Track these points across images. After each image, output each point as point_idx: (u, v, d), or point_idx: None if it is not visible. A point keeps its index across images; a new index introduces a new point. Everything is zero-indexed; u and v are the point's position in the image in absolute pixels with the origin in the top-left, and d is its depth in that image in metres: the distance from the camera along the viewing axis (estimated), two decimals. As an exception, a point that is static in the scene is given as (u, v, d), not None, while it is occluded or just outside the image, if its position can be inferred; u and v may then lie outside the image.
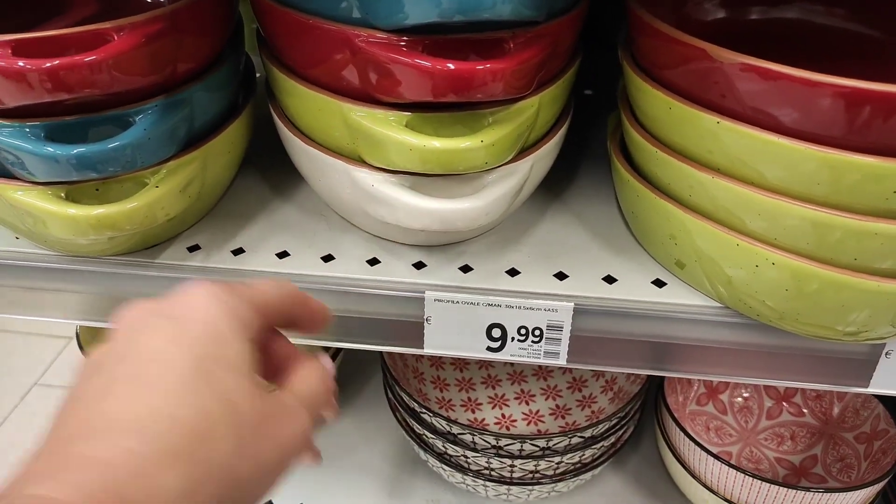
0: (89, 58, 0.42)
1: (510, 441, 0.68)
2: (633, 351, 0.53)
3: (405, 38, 0.43)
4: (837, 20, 0.58)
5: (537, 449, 0.69)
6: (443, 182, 0.49)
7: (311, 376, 0.37)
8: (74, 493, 0.26)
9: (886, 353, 0.50)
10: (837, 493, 0.64)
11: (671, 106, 0.46)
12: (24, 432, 1.47)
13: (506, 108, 0.47)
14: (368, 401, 0.95)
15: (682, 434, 0.70)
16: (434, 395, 0.85)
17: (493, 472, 0.71)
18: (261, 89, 0.60)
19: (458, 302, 0.52)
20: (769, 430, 0.82)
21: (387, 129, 0.46)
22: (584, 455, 0.71)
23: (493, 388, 0.88)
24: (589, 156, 0.68)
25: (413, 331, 0.54)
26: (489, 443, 0.69)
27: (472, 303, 0.52)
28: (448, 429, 0.70)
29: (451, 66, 0.42)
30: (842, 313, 0.45)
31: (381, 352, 0.80)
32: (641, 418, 0.82)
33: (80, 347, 0.79)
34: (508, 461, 0.69)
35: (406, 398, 0.73)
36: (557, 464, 0.70)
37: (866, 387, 0.52)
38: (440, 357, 0.88)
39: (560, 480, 0.71)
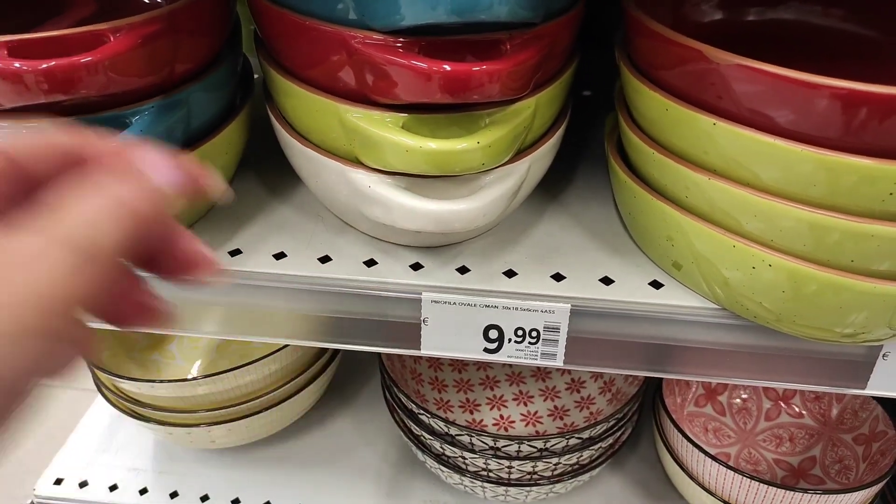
0: (85, 59, 0.42)
1: (508, 442, 0.68)
2: (630, 352, 0.53)
3: (401, 39, 0.43)
4: (835, 21, 0.58)
5: (535, 450, 0.69)
6: (439, 183, 0.49)
7: (86, 199, 0.26)
8: None
9: (884, 355, 0.50)
10: (836, 495, 0.64)
11: (668, 107, 0.46)
12: (25, 432, 1.47)
13: (502, 110, 0.47)
14: (367, 402, 0.95)
15: (679, 435, 0.70)
16: (432, 397, 0.85)
17: (490, 474, 0.71)
18: (258, 90, 0.60)
19: (454, 303, 0.52)
20: (768, 432, 0.82)
21: (383, 130, 0.46)
22: (581, 456, 0.71)
23: (492, 389, 0.88)
24: (587, 157, 0.68)
25: (410, 332, 0.54)
26: (487, 444, 0.69)
27: (469, 304, 0.52)
28: (446, 430, 0.70)
29: (448, 68, 0.42)
30: (839, 315, 0.45)
31: (379, 353, 0.80)
32: (639, 419, 0.82)
33: (79, 348, 0.79)
34: (506, 462, 0.69)
35: (404, 399, 0.73)
36: (555, 465, 0.70)
37: (864, 388, 0.52)
38: (438, 358, 0.88)
39: (558, 482, 0.71)
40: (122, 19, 0.44)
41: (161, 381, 0.74)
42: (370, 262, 0.54)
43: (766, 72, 0.40)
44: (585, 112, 0.75)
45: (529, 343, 0.52)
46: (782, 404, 0.83)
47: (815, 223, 0.42)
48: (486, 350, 0.53)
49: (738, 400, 0.84)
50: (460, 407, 0.85)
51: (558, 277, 0.53)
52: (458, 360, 0.89)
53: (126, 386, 0.76)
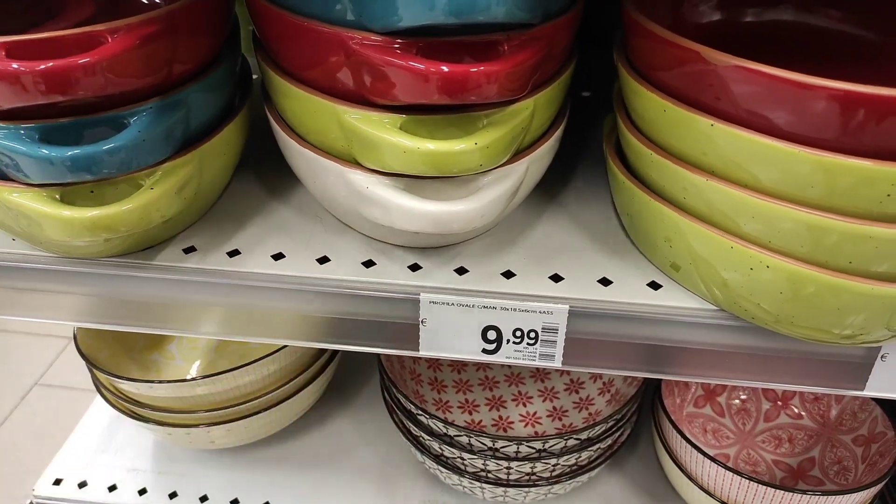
0: (83, 60, 0.42)
1: (506, 443, 0.68)
2: (628, 353, 0.53)
3: (399, 40, 0.43)
4: (832, 22, 0.58)
5: (533, 451, 0.69)
6: (438, 184, 0.49)
7: None
8: None
9: (882, 357, 0.50)
10: (835, 496, 0.64)
11: (665, 108, 0.46)
12: (24, 432, 1.47)
13: (500, 111, 0.47)
14: (366, 402, 0.95)
15: (678, 436, 0.70)
16: (431, 397, 0.85)
17: (489, 474, 0.71)
18: (257, 91, 0.60)
19: (453, 304, 0.52)
20: (767, 433, 0.82)
21: (381, 131, 0.46)
22: (580, 457, 0.71)
23: (491, 389, 0.88)
24: (586, 157, 0.67)
25: (408, 333, 0.54)
26: (485, 445, 0.69)
27: (467, 305, 0.52)
28: (444, 430, 0.70)
29: (445, 69, 0.42)
30: (837, 317, 0.45)
31: (377, 354, 0.80)
32: (638, 420, 0.82)
33: (78, 349, 0.79)
34: (505, 463, 0.69)
35: (403, 400, 0.73)
36: (554, 466, 0.70)
37: (862, 390, 0.52)
38: (437, 359, 0.88)
39: (557, 482, 0.71)
40: (120, 20, 0.44)
41: (160, 382, 0.74)
42: (368, 263, 0.54)
43: (763, 73, 0.40)
44: (584, 113, 0.75)
45: (528, 344, 0.52)
46: (781, 405, 0.83)
47: (812, 224, 0.42)
48: (484, 351, 0.53)
49: (737, 401, 0.84)
50: (459, 408, 0.85)
51: (556, 278, 0.53)
52: (457, 360, 0.89)
53: (125, 386, 0.76)
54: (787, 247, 0.44)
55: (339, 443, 0.90)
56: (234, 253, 0.55)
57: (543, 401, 0.86)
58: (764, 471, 0.79)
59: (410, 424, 0.74)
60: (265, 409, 0.79)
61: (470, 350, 0.54)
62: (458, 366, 0.89)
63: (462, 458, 0.70)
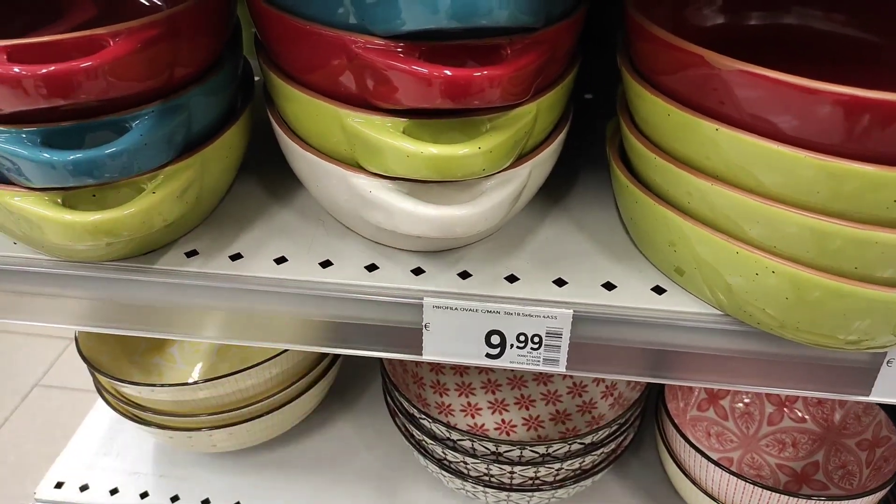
0: (85, 64, 0.42)
1: (510, 447, 0.67)
2: (632, 358, 0.52)
3: (402, 44, 0.43)
4: (836, 25, 0.57)
5: (537, 455, 0.68)
6: (440, 188, 0.49)
7: None
8: None
9: (888, 362, 0.50)
10: (840, 501, 0.64)
11: (670, 112, 0.45)
12: (25, 433, 1.47)
13: (503, 115, 0.47)
14: (367, 405, 0.95)
15: (682, 440, 0.70)
16: (434, 400, 0.85)
17: (492, 479, 0.71)
18: (258, 92, 0.60)
19: (456, 308, 0.51)
20: (770, 437, 0.82)
21: (384, 135, 0.45)
22: (584, 461, 0.70)
23: (493, 392, 0.87)
24: (588, 160, 0.67)
25: (412, 337, 0.54)
26: (489, 449, 0.68)
27: (470, 309, 0.51)
28: (447, 435, 0.69)
29: (448, 73, 0.41)
30: (843, 322, 0.45)
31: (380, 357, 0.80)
32: (642, 424, 0.81)
33: (80, 352, 0.79)
34: (508, 467, 0.69)
35: (405, 404, 0.72)
36: (557, 470, 0.70)
37: (867, 395, 0.52)
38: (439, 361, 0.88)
39: (560, 487, 0.71)
40: (121, 24, 0.44)
41: (162, 386, 0.74)
42: (371, 267, 0.54)
43: (768, 78, 0.40)
44: (586, 115, 0.75)
45: (532, 349, 0.52)
46: (785, 409, 0.83)
47: (818, 230, 0.42)
48: (487, 356, 0.53)
49: (740, 404, 0.84)
50: (462, 411, 0.85)
51: (560, 283, 0.53)
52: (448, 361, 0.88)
53: (127, 390, 0.76)
54: (792, 252, 0.44)
55: (340, 446, 0.90)
56: (236, 257, 0.55)
57: (546, 404, 0.86)
58: (768, 475, 0.79)
59: (413, 428, 0.73)
60: (267, 413, 0.79)
61: (473, 355, 0.53)
62: (461, 369, 0.89)
63: (465, 463, 0.70)
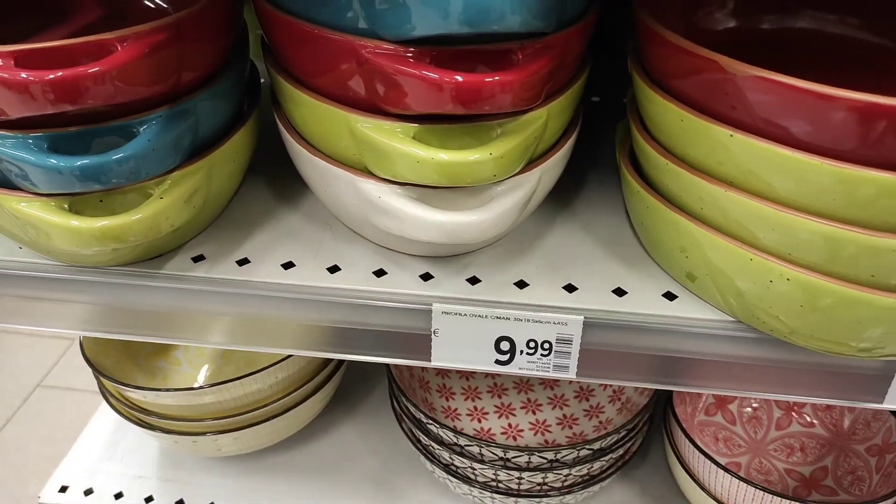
0: (93, 69, 0.41)
1: (518, 453, 0.67)
2: (643, 365, 0.52)
3: (412, 49, 0.42)
4: (849, 29, 0.57)
5: (545, 461, 0.68)
6: (450, 194, 0.48)
7: None
8: None
9: (901, 369, 0.50)
10: (849, 507, 0.64)
11: (683, 118, 0.45)
12: (28, 434, 1.47)
13: (514, 120, 0.46)
14: (372, 410, 0.95)
15: (691, 446, 0.69)
16: (440, 405, 0.85)
17: (500, 484, 0.71)
18: (265, 96, 0.60)
19: (465, 314, 0.51)
20: (778, 441, 0.81)
21: (393, 140, 0.45)
22: (592, 467, 0.70)
23: (500, 397, 0.87)
24: (596, 163, 0.67)
25: (420, 343, 0.53)
26: (497, 455, 0.68)
27: (480, 315, 0.51)
28: (455, 440, 0.69)
29: (460, 79, 0.41)
30: (857, 330, 0.44)
31: (386, 361, 0.80)
32: (650, 429, 0.81)
33: (84, 356, 0.78)
34: (516, 473, 0.68)
35: (412, 409, 0.72)
36: (566, 476, 0.69)
37: (881, 403, 0.51)
38: (446, 365, 0.87)
39: (568, 493, 0.71)
40: (129, 29, 0.44)
41: (167, 390, 0.73)
42: (380, 272, 0.54)
43: (783, 84, 0.39)
44: (593, 117, 0.74)
45: (542, 355, 0.52)
46: (793, 414, 0.83)
47: (833, 237, 0.41)
48: (497, 362, 0.53)
49: (748, 409, 0.83)
50: (468, 415, 0.85)
51: (570, 288, 0.52)
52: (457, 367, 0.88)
53: (132, 394, 0.76)
54: (806, 259, 0.43)
55: (344, 450, 0.89)
56: (243, 262, 0.55)
57: (553, 408, 0.85)
58: (776, 480, 0.78)
59: (420, 434, 0.73)
60: (272, 417, 0.79)
61: (483, 361, 0.53)
62: (467, 373, 0.88)
63: (473, 468, 0.70)
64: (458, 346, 0.53)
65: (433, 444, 0.71)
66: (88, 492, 0.85)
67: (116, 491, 0.85)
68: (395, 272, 0.54)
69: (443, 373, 0.87)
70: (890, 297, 0.42)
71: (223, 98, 0.52)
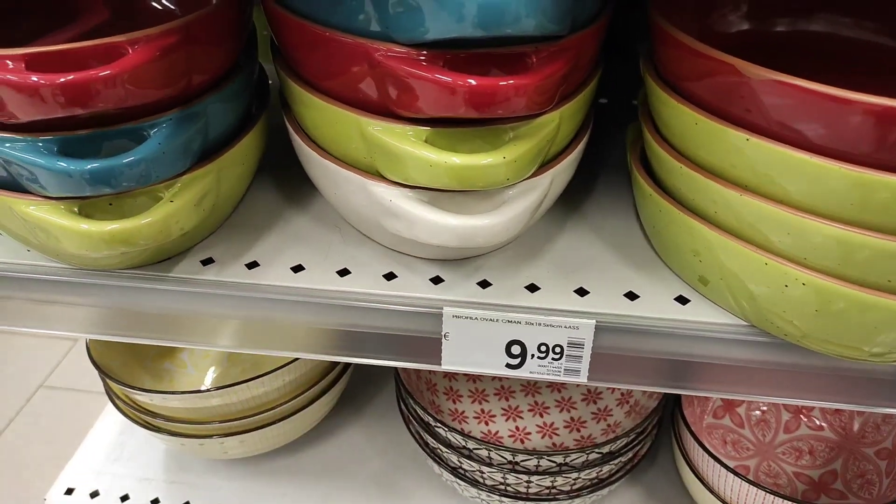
0: (104, 72, 0.41)
1: (527, 457, 0.67)
2: (655, 369, 0.52)
3: (425, 52, 0.42)
4: (864, 33, 0.56)
5: (554, 465, 0.68)
6: (462, 197, 0.48)
7: None
8: None
9: (916, 373, 0.49)
10: (859, 511, 0.63)
11: (697, 121, 0.45)
12: (30, 435, 1.47)
13: (527, 123, 0.46)
14: (379, 411, 0.94)
15: (700, 449, 0.69)
16: (447, 407, 0.84)
17: (508, 488, 0.70)
18: (274, 98, 0.59)
19: (476, 318, 0.51)
20: (787, 444, 0.81)
21: (405, 144, 0.45)
22: (601, 471, 0.70)
23: (507, 399, 0.87)
24: (605, 166, 0.66)
25: (430, 347, 0.53)
26: (505, 458, 0.68)
27: (491, 319, 0.51)
28: (463, 443, 0.69)
29: (473, 82, 0.41)
30: (870, 334, 0.44)
31: (394, 363, 0.79)
32: (658, 431, 0.81)
33: (91, 358, 0.78)
34: (525, 477, 0.68)
35: (420, 412, 0.72)
36: (574, 479, 0.69)
37: (894, 407, 0.51)
38: (453, 368, 0.87)
39: (577, 496, 0.70)
40: (140, 31, 0.43)
41: (173, 393, 0.73)
42: (390, 276, 0.54)
43: (800, 87, 0.39)
44: (601, 119, 0.74)
45: (553, 359, 0.51)
46: (802, 417, 0.82)
47: (847, 240, 0.41)
48: (508, 366, 0.53)
49: (756, 412, 0.83)
50: (475, 418, 0.84)
51: (582, 292, 0.52)
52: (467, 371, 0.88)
53: (139, 397, 0.76)
54: (821, 263, 0.43)
55: (351, 453, 0.89)
56: (252, 265, 0.54)
57: (560, 411, 0.85)
58: (785, 483, 0.78)
59: (428, 437, 0.73)
60: (279, 420, 0.79)
61: (493, 365, 0.53)
62: (474, 375, 0.88)
63: (481, 472, 0.70)
64: (469, 350, 0.52)
65: (441, 447, 0.71)
66: (94, 494, 0.85)
67: (122, 493, 0.85)
68: (405, 275, 0.54)
69: (450, 375, 0.87)
70: (906, 301, 0.42)
71: (233, 101, 0.52)
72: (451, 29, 0.40)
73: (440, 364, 0.53)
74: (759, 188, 0.44)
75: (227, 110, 0.52)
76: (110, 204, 0.48)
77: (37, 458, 1.42)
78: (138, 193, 0.48)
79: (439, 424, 0.69)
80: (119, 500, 0.84)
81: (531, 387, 0.88)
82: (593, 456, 0.68)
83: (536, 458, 0.67)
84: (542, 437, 0.82)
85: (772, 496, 0.65)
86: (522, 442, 0.82)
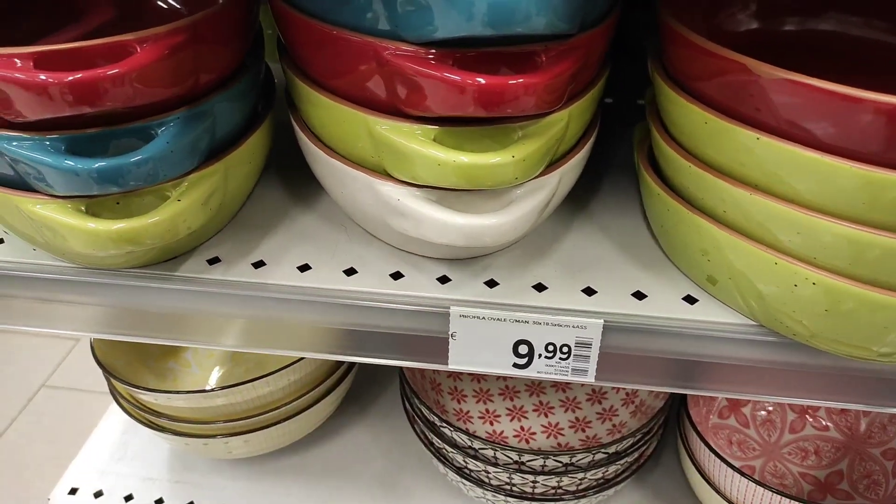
0: (112, 71, 0.41)
1: (533, 457, 0.67)
2: (662, 368, 0.52)
3: (434, 50, 0.42)
4: (874, 32, 0.56)
5: (560, 465, 0.68)
6: (469, 196, 0.48)
7: None
8: None
9: (925, 373, 0.49)
10: (866, 512, 0.63)
11: (707, 120, 0.45)
12: (32, 434, 1.47)
13: (536, 122, 0.46)
14: (384, 411, 0.94)
15: (706, 449, 0.69)
16: (452, 407, 0.84)
17: (514, 488, 0.70)
18: (280, 97, 0.59)
19: (484, 318, 0.51)
20: (792, 444, 0.81)
21: (414, 143, 0.45)
22: (607, 471, 0.70)
23: (512, 399, 0.86)
24: (610, 166, 0.66)
25: (437, 346, 0.53)
26: (511, 458, 0.67)
27: (498, 319, 0.51)
28: (469, 443, 0.69)
29: (482, 81, 0.40)
30: (879, 334, 0.44)
31: (398, 363, 0.79)
32: (664, 432, 0.81)
33: (95, 357, 0.78)
34: (531, 477, 0.68)
35: (425, 412, 0.72)
36: (580, 480, 0.69)
37: (903, 407, 0.51)
38: (457, 368, 0.87)
39: (583, 496, 0.70)
40: (148, 30, 0.43)
41: (178, 393, 0.73)
42: (396, 275, 0.53)
43: (811, 86, 0.39)
44: (606, 119, 0.74)
45: (560, 358, 0.51)
46: (808, 417, 0.82)
47: (857, 239, 0.41)
48: (515, 365, 0.52)
49: (762, 412, 0.83)
50: (480, 418, 0.84)
51: (589, 292, 0.52)
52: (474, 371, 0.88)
53: (143, 396, 0.75)
54: (830, 262, 0.43)
55: (355, 453, 0.89)
56: (259, 264, 0.54)
57: (565, 411, 0.85)
58: (791, 484, 0.78)
59: (433, 436, 0.72)
60: (284, 420, 0.78)
61: (501, 364, 0.53)
62: (478, 375, 0.88)
63: (487, 472, 0.69)
64: (476, 350, 0.52)
65: (447, 446, 0.71)
66: (98, 494, 0.85)
67: (126, 493, 0.85)
68: (412, 275, 0.54)
69: (454, 375, 0.87)
70: (915, 301, 0.41)
71: (240, 99, 0.52)
72: (460, 27, 0.39)
73: (447, 364, 0.53)
74: (768, 187, 0.43)
75: (235, 109, 0.52)
76: (118, 203, 0.48)
77: (38, 458, 1.42)
78: (145, 192, 0.48)
79: (445, 424, 0.69)
80: (123, 500, 0.84)
81: (536, 387, 0.88)
82: (599, 456, 0.68)
83: (543, 458, 0.67)
84: (548, 437, 0.82)
85: (779, 496, 0.64)
86: (528, 442, 0.82)
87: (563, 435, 0.82)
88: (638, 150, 0.56)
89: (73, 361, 1.66)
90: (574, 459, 0.67)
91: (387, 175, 0.48)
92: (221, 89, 0.50)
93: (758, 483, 0.65)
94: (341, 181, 0.51)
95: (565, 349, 0.51)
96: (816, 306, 0.44)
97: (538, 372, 0.52)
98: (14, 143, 0.44)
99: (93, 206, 0.47)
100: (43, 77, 0.40)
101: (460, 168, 0.43)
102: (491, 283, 0.53)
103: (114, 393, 0.81)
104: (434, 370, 0.85)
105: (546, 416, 0.84)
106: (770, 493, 0.65)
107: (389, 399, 0.96)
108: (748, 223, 0.45)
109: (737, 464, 0.78)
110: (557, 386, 0.87)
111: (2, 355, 1.68)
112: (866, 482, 0.75)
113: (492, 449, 0.67)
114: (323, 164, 0.52)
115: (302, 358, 0.75)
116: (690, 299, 0.51)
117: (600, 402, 0.84)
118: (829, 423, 0.81)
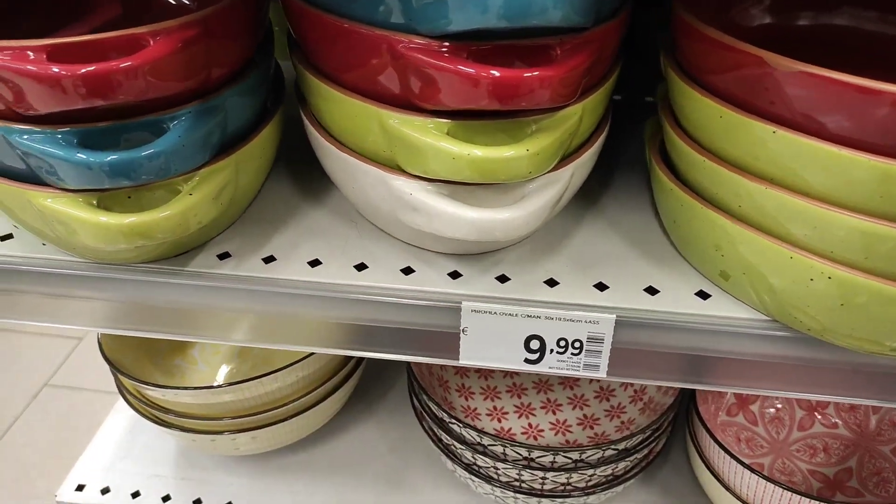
0: (125, 63, 0.41)
1: (542, 453, 0.66)
2: (675, 363, 0.51)
3: (448, 43, 0.42)
4: (889, 27, 0.56)
5: (570, 461, 0.67)
6: (482, 191, 0.48)
7: None
8: None
9: (940, 369, 0.49)
10: (877, 509, 0.63)
11: (722, 114, 0.44)
12: (36, 433, 1.47)
13: (549, 116, 0.46)
14: (391, 407, 0.94)
15: (716, 446, 0.69)
16: (459, 404, 0.84)
17: (523, 484, 0.70)
18: (289, 91, 0.59)
19: (496, 313, 0.50)
20: (801, 442, 0.81)
21: (427, 136, 0.44)
22: (616, 468, 0.69)
23: (519, 396, 0.86)
24: (620, 161, 0.66)
25: (448, 342, 0.53)
26: (521, 454, 0.67)
27: (510, 314, 0.50)
28: (478, 440, 0.68)
29: (497, 74, 0.40)
30: (892, 328, 0.43)
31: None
32: (673, 429, 0.80)
33: (102, 353, 0.78)
34: (540, 473, 0.68)
35: (434, 408, 0.71)
36: (590, 476, 0.69)
37: (916, 403, 0.51)
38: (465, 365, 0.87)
39: (592, 493, 0.70)
40: (161, 23, 0.43)
41: (186, 389, 0.73)
42: (407, 270, 0.53)
43: (828, 79, 0.39)
44: (615, 116, 0.73)
45: (572, 354, 0.51)
46: (816, 414, 0.82)
47: (873, 232, 0.41)
48: (526, 360, 0.52)
49: (770, 409, 0.83)
50: (488, 415, 0.84)
51: (601, 287, 0.52)
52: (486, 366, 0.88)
53: (151, 392, 0.75)
54: (845, 256, 0.43)
55: (363, 449, 0.89)
56: (269, 259, 0.54)
57: (573, 408, 0.85)
58: (800, 481, 0.77)
59: (441, 433, 0.72)
60: (291, 416, 0.78)
61: (512, 360, 0.52)
62: (486, 372, 0.88)
63: (496, 468, 0.69)
64: (487, 345, 0.52)
65: (455, 443, 0.71)
66: (105, 490, 0.85)
67: (133, 490, 0.85)
68: (422, 270, 0.53)
69: (462, 372, 0.87)
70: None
71: (251, 94, 0.52)
72: (475, 20, 0.39)
73: (458, 359, 0.53)
74: (783, 181, 0.43)
75: (245, 104, 0.52)
76: (129, 197, 0.48)
77: (42, 457, 1.41)
78: (156, 186, 0.48)
79: (454, 421, 0.69)
80: (130, 497, 0.84)
81: (543, 384, 0.87)
82: (609, 452, 0.68)
83: (552, 454, 0.67)
84: (556, 435, 0.82)
85: (789, 493, 0.64)
86: (536, 439, 0.81)
87: (571, 432, 0.82)
88: (650, 146, 0.56)
89: (76, 361, 1.66)
90: (584, 456, 0.67)
91: (399, 169, 0.48)
92: (233, 84, 0.50)
93: (768, 479, 0.65)
94: (353, 176, 0.51)
95: (577, 344, 0.51)
96: (831, 300, 0.44)
97: (550, 367, 0.52)
98: (26, 137, 0.44)
99: (104, 199, 0.47)
100: (56, 69, 0.40)
101: (474, 162, 0.43)
102: (502, 279, 0.53)
103: (121, 389, 0.81)
104: (441, 367, 0.85)
105: (554, 413, 0.84)
106: (781, 489, 0.64)
107: (397, 396, 0.96)
108: (763, 218, 0.45)
109: (745, 461, 0.78)
110: (565, 383, 0.87)
111: (5, 354, 1.68)
112: (876, 479, 0.75)
113: (501, 445, 0.67)
114: (334, 158, 0.52)
115: (310, 354, 0.75)
116: (703, 294, 0.51)
117: (608, 400, 0.84)
118: (837, 421, 0.81)
